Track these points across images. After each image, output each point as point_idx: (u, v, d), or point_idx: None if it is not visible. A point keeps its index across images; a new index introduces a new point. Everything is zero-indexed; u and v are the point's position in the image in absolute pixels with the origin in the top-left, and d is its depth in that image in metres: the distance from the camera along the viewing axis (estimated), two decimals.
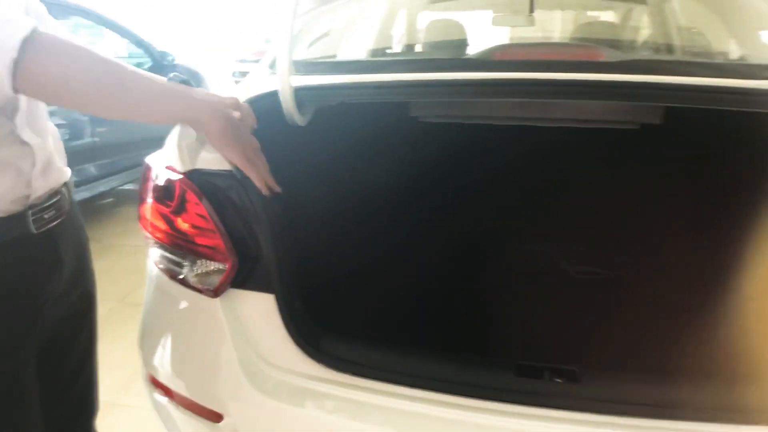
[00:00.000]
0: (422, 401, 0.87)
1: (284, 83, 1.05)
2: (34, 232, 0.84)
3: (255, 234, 0.95)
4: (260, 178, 0.89)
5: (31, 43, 0.65)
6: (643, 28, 2.57)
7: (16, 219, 0.81)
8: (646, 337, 1.12)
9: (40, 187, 0.86)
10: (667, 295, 1.25)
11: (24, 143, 0.80)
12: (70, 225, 0.97)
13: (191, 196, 0.97)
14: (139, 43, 4.25)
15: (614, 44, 2.17)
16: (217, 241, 0.94)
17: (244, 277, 0.95)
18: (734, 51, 1.63)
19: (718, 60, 1.35)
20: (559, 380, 0.90)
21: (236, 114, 0.85)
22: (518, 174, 1.57)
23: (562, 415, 0.84)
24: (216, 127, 0.81)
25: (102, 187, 3.65)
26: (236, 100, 0.88)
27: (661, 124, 1.10)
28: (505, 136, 1.36)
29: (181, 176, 0.97)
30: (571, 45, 1.27)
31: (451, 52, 1.58)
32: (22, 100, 0.79)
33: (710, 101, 0.95)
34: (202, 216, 0.96)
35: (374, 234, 1.37)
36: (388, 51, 2.04)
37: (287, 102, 1.06)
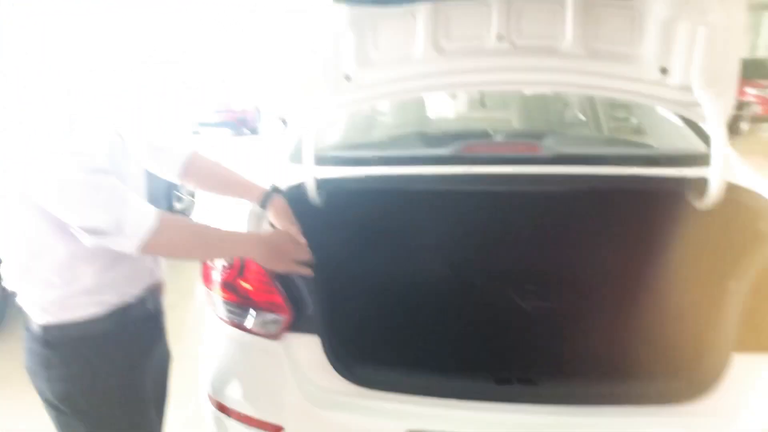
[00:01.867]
0: (429, 405, 1.25)
1: (309, 176, 1.46)
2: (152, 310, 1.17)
3: (302, 292, 1.32)
4: (298, 272, 1.24)
5: (155, 229, 0.97)
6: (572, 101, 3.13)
7: (141, 301, 1.13)
8: (579, 351, 1.55)
9: (158, 274, 1.19)
10: (593, 322, 1.69)
11: None
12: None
13: (252, 265, 1.33)
14: None
15: (549, 123, 2.70)
16: (277, 298, 1.30)
17: (296, 324, 1.31)
18: (643, 131, 2.17)
19: (626, 149, 1.84)
20: (523, 384, 1.30)
21: (278, 239, 1.20)
22: (482, 232, 1.99)
23: (527, 407, 1.24)
24: (262, 258, 1.17)
25: None
26: (285, 233, 1.25)
27: (588, 190, 1.58)
28: (472, 205, 1.80)
29: None
30: (516, 143, 1.75)
31: (425, 139, 2.04)
32: None
33: (614, 183, 1.45)
34: (261, 281, 1.32)
35: (385, 287, 1.76)
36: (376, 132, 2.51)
37: (311, 190, 1.47)
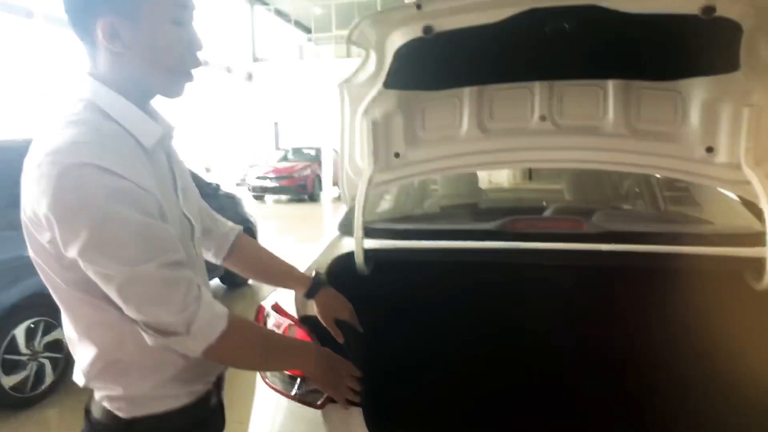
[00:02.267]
0: None
1: (358, 247, 1.53)
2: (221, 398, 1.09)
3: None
4: (343, 402, 1.18)
5: (225, 332, 0.87)
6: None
7: (217, 388, 1.05)
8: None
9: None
10: (643, 406, 1.60)
11: None
12: None
13: (301, 334, 1.39)
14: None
15: (602, 194, 2.68)
16: None
17: None
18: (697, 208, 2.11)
19: (677, 227, 1.80)
20: None
21: (336, 362, 1.14)
22: (526, 306, 1.96)
23: None
24: (317, 375, 1.10)
25: None
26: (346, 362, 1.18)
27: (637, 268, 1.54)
28: (517, 279, 1.79)
29: (295, 319, 1.39)
30: (561, 218, 1.76)
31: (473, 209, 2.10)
32: None
33: (665, 262, 1.42)
34: None
35: (430, 360, 1.77)
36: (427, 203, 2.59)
37: (359, 260, 1.53)
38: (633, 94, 1.49)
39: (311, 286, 1.31)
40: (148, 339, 0.85)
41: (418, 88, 1.58)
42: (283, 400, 1.39)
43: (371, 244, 1.61)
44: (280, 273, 1.32)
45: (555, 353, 1.79)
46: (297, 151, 15.58)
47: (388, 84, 1.51)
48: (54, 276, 0.86)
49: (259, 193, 14.13)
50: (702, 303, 1.53)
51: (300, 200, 14.07)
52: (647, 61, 1.44)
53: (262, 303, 1.52)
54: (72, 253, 0.80)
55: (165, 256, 0.82)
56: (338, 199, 14.39)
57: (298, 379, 1.37)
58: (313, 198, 14.07)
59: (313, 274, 1.35)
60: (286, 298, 1.48)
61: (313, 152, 15.07)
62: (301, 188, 13.87)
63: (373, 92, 1.54)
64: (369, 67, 1.51)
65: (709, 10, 1.15)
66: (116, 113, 0.86)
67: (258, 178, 14.17)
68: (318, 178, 14.30)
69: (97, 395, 0.95)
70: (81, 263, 0.81)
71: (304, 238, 8.75)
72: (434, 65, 1.52)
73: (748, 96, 1.32)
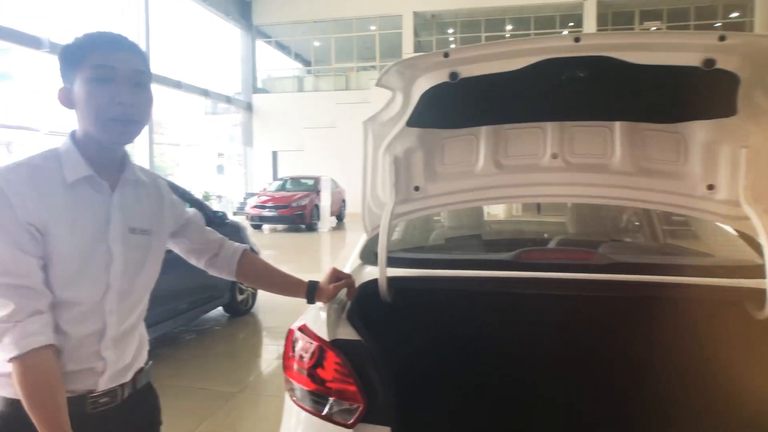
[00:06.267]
0: None
1: (382, 275, 1.61)
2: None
3: (376, 385, 1.42)
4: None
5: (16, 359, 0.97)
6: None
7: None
8: None
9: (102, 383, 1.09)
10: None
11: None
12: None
13: (331, 356, 1.46)
14: (195, 203, 4.92)
15: (603, 228, 2.80)
16: (353, 388, 1.41)
17: (370, 415, 1.40)
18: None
19: (681, 259, 1.91)
20: None
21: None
22: (541, 334, 2.04)
23: None
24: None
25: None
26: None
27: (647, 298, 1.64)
28: (528, 308, 1.88)
29: (326, 342, 1.47)
30: (572, 250, 1.87)
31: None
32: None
33: (665, 292, 1.52)
34: (338, 371, 1.44)
35: (456, 383, 1.84)
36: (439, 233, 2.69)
37: (383, 287, 1.62)
38: (638, 135, 1.61)
39: (308, 290, 1.48)
40: None
41: (439, 126, 1.70)
42: (314, 419, 1.45)
43: (393, 272, 1.70)
44: (282, 283, 1.50)
45: (566, 375, 1.87)
46: (295, 181, 15.69)
47: (411, 122, 1.62)
48: None
49: (257, 222, 14.17)
50: (706, 330, 1.62)
51: (297, 230, 14.12)
52: (652, 106, 1.56)
53: (292, 326, 1.60)
54: None
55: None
56: (335, 229, 14.49)
57: (330, 399, 1.44)
58: (311, 228, 14.11)
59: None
60: (314, 320, 1.56)
61: (311, 182, 15.17)
62: (299, 218, 13.92)
63: (396, 130, 1.64)
64: (394, 107, 1.62)
65: (709, 62, 1.28)
66: (63, 155, 1.08)
67: (256, 206, 14.21)
68: (316, 208, 14.37)
69: None
70: None
71: (300, 269, 8.81)
72: (456, 106, 1.64)
73: (745, 138, 1.44)
